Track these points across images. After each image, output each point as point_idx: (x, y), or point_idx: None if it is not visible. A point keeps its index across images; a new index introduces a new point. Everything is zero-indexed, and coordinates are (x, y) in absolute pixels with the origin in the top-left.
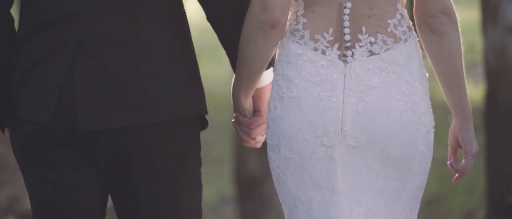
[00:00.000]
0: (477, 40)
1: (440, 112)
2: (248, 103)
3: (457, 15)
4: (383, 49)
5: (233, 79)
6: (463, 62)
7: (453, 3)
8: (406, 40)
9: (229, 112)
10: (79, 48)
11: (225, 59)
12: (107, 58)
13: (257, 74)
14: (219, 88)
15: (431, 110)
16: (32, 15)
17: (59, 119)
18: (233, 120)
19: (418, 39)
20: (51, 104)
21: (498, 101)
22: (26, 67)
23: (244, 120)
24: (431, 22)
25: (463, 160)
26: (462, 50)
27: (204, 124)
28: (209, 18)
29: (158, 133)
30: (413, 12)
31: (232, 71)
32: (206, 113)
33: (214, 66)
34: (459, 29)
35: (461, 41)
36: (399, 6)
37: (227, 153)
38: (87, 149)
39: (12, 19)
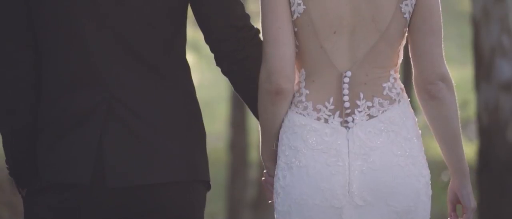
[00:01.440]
0: (471, 98)
1: (433, 169)
2: (273, 163)
3: (450, 73)
4: (381, 111)
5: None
6: (459, 123)
7: (447, 66)
8: (399, 101)
9: (223, 168)
10: (108, 114)
11: (219, 116)
12: (134, 122)
13: (273, 136)
14: (212, 144)
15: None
16: (55, 78)
17: (95, 178)
18: (262, 178)
19: (409, 99)
20: (89, 167)
21: (491, 159)
22: (56, 134)
23: (269, 179)
24: (430, 89)
25: (463, 215)
26: (458, 111)
27: (208, 187)
28: (226, 73)
29: (177, 190)
30: (413, 80)
31: (226, 128)
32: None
33: (207, 123)
34: (455, 92)
35: (457, 103)
36: (392, 71)
37: (221, 210)
38: (118, 207)
39: (37, 69)
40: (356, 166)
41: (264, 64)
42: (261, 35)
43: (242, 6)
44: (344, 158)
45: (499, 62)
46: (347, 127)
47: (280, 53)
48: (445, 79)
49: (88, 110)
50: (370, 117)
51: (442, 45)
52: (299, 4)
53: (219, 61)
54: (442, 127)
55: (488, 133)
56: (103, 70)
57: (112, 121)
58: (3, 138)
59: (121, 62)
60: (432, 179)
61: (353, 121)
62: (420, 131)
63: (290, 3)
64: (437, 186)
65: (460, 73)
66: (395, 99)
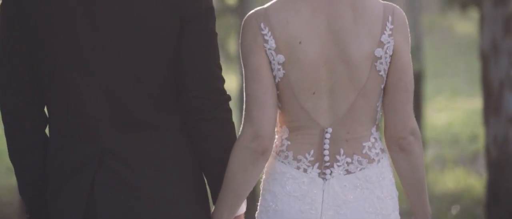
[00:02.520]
0: (480, 131)
1: (442, 202)
2: None
3: (459, 106)
4: (359, 169)
5: (214, 208)
6: (424, 171)
7: (456, 100)
8: (379, 161)
9: None
10: (100, 165)
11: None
12: (126, 173)
13: (243, 199)
14: None
15: None
16: (57, 131)
17: None
18: None
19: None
20: (80, 216)
21: (500, 192)
22: (56, 184)
23: None
24: (401, 143)
25: None
26: (423, 160)
27: None
28: (196, 143)
29: None
30: (384, 134)
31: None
32: None
33: None
34: (421, 143)
35: (423, 153)
36: (373, 130)
37: None
38: None
39: (45, 123)
40: (328, 216)
41: (248, 126)
42: (230, 103)
43: (220, 69)
44: (317, 207)
45: (507, 95)
46: (324, 179)
47: (266, 116)
48: (415, 132)
49: (81, 162)
50: (348, 172)
51: (412, 100)
52: (279, 69)
53: (187, 115)
54: (410, 175)
55: (497, 166)
56: (95, 124)
57: (104, 172)
58: (19, 188)
59: (111, 116)
60: (441, 212)
61: (331, 174)
62: (396, 192)
63: (271, 68)
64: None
65: (469, 107)
66: (374, 159)
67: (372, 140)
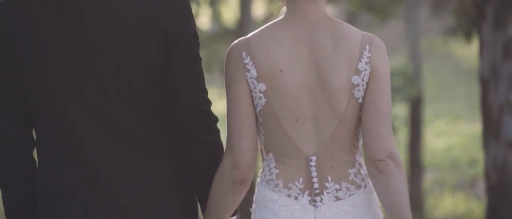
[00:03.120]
0: (479, 156)
1: None
2: None
3: (458, 131)
4: (347, 195)
5: None
6: (408, 198)
7: (455, 124)
8: (365, 186)
9: None
10: (94, 187)
11: None
12: (120, 194)
13: None
14: None
15: None
16: (47, 152)
17: None
18: None
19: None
20: None
21: (500, 217)
22: (48, 205)
23: None
24: (378, 165)
25: None
26: (406, 187)
27: None
28: (186, 164)
29: None
30: (364, 158)
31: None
32: None
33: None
34: (404, 171)
35: (405, 179)
36: (357, 156)
37: None
38: None
39: (31, 146)
40: None
41: (228, 155)
42: (218, 124)
43: (206, 92)
44: None
45: (507, 120)
46: (315, 206)
47: (244, 146)
48: (393, 156)
49: (75, 183)
50: (337, 198)
51: (391, 124)
52: (260, 98)
53: (175, 139)
54: (389, 199)
55: (496, 190)
56: (87, 145)
57: (98, 194)
58: (5, 211)
59: (103, 137)
60: None
61: (321, 201)
62: (382, 214)
63: (252, 97)
64: None
65: (468, 131)
66: (360, 185)
67: (357, 166)
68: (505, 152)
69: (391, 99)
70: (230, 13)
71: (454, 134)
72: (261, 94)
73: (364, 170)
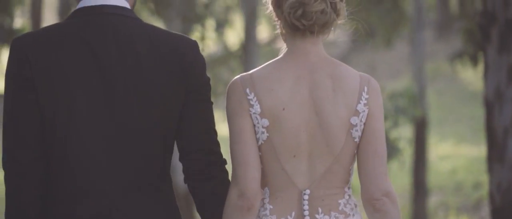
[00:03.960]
0: (484, 179)
1: None
2: None
3: (463, 153)
4: None
5: None
6: None
7: (460, 147)
8: (353, 215)
9: None
10: None
11: None
12: None
13: None
14: None
15: None
16: (59, 187)
17: None
18: None
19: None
20: None
21: None
22: None
23: None
24: (375, 204)
25: None
26: None
27: None
28: (196, 201)
29: None
30: (361, 196)
31: None
32: None
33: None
34: (398, 205)
35: (400, 214)
36: (346, 188)
37: None
38: None
39: (46, 180)
40: None
41: (235, 185)
42: (226, 166)
43: (216, 134)
44: None
45: (511, 143)
46: None
47: (250, 175)
48: (389, 194)
49: (90, 217)
50: None
51: (386, 163)
52: (262, 132)
53: (187, 179)
54: None
55: (501, 213)
56: (102, 183)
57: None
58: None
59: (118, 176)
60: None
61: None
62: None
63: (255, 131)
64: None
65: (472, 154)
66: (349, 214)
67: (346, 196)
68: (510, 175)
69: (396, 120)
70: (235, 36)
71: (458, 157)
72: (263, 129)
73: (352, 200)
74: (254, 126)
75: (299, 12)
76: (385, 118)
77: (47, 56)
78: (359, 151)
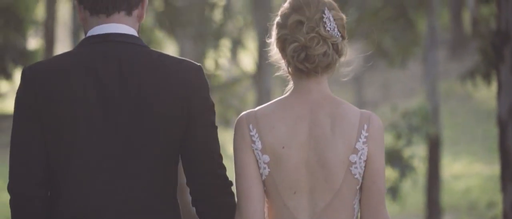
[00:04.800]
0: (497, 198)
1: None
2: None
3: (477, 173)
4: None
5: None
6: None
7: (474, 166)
8: None
9: None
10: None
11: None
12: None
13: None
14: None
15: None
16: (61, 214)
17: None
18: None
19: None
20: None
21: None
22: None
23: None
24: None
25: None
26: None
27: None
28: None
29: None
30: None
31: None
32: None
33: None
34: None
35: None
36: None
37: None
38: None
39: (47, 206)
40: None
41: (239, 216)
42: (233, 187)
43: (221, 158)
44: None
45: None
46: None
47: (252, 208)
48: None
49: None
50: None
51: (384, 199)
52: (264, 168)
53: (194, 202)
54: None
55: None
56: (106, 205)
57: None
58: None
59: (120, 201)
60: None
61: None
62: None
63: (258, 166)
64: None
65: (486, 173)
66: None
67: None
68: None
69: (410, 139)
70: (249, 58)
71: (472, 176)
72: (265, 165)
73: None
74: (257, 161)
75: (302, 55)
76: (399, 136)
77: (53, 86)
78: (362, 188)
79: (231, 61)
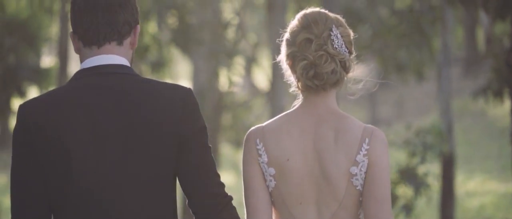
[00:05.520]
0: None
1: None
2: None
3: (491, 190)
4: None
5: None
6: None
7: (488, 183)
8: None
9: None
10: None
11: None
12: None
13: None
14: None
15: None
16: None
17: None
18: None
19: None
20: None
21: None
22: None
23: None
24: None
25: None
26: None
27: None
28: None
29: None
30: None
31: None
32: None
33: None
34: None
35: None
36: None
37: None
38: None
39: None
40: None
41: None
42: (233, 202)
43: (218, 176)
44: None
45: None
46: None
47: None
48: None
49: None
50: None
51: (389, 209)
52: (271, 180)
53: None
54: None
55: None
56: None
57: None
58: None
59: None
60: None
61: None
62: None
63: (265, 179)
64: None
65: (501, 191)
66: None
67: None
68: None
69: (424, 156)
70: (263, 76)
71: (486, 193)
72: (271, 177)
73: None
74: (263, 173)
75: (311, 73)
76: (413, 154)
77: (47, 122)
78: (362, 199)
79: (245, 79)
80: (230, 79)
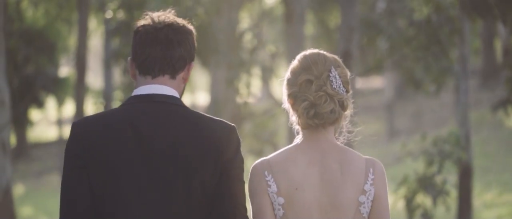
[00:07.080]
0: None
1: None
2: None
3: (510, 199)
4: None
5: None
6: None
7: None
8: None
9: None
10: None
11: None
12: None
13: None
14: None
15: None
16: None
17: None
18: None
19: None
20: None
21: None
22: None
23: None
24: None
25: None
26: None
27: None
28: None
29: None
30: None
31: None
32: None
33: None
34: None
35: None
36: None
37: None
38: None
39: None
40: None
41: None
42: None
43: (246, 211)
44: None
45: None
46: None
47: None
48: None
49: None
50: None
51: None
52: (279, 209)
53: None
54: None
55: None
56: None
57: None
58: None
59: None
60: None
61: None
62: None
63: (273, 208)
64: None
65: None
66: None
67: None
68: None
69: (442, 164)
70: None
71: (503, 205)
72: (279, 206)
73: None
74: (272, 203)
75: (311, 112)
76: (430, 163)
77: (98, 140)
78: None
79: (263, 89)
80: (248, 88)
